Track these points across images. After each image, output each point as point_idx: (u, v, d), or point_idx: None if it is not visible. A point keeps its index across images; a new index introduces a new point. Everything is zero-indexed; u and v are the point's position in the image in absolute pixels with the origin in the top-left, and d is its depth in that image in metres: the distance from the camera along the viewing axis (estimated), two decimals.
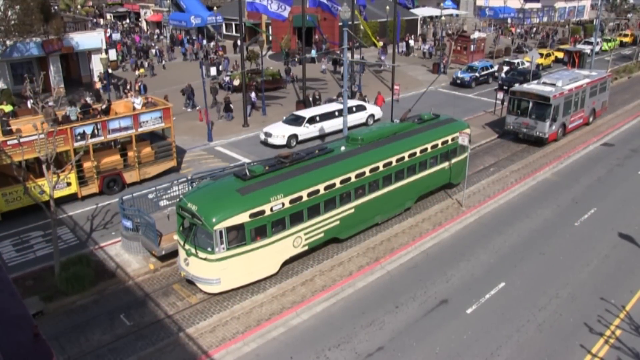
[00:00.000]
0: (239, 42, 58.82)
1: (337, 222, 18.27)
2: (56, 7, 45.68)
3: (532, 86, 29.94)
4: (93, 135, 21.78)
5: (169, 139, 24.82)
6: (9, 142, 19.80)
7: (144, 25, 71.40)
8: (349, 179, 18.14)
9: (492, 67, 45.04)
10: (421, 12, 69.56)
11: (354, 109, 31.39)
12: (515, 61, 46.94)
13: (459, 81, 43.07)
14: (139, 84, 37.71)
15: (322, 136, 29.95)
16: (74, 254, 17.87)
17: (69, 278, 16.14)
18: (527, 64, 44.78)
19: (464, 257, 18.74)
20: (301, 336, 14.92)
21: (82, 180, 22.22)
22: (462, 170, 22.99)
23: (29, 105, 29.40)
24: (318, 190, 17.24)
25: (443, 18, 56.32)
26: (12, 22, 31.22)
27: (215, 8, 65.16)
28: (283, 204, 16.32)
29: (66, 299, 15.98)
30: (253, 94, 35.71)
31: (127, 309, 15.83)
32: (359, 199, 18.79)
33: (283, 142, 28.54)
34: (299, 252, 17.51)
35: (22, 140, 18.03)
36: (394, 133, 20.82)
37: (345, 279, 17.28)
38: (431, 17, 71.32)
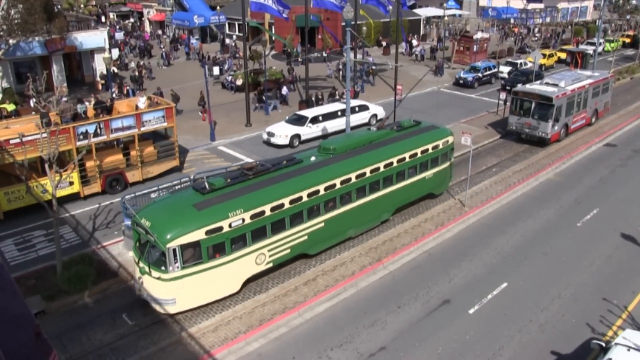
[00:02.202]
0: (227, 41, 59.12)
1: (305, 238, 17.26)
2: (59, 6, 45.71)
3: (535, 87, 29.87)
4: (96, 135, 21.79)
5: (171, 138, 24.84)
6: (11, 141, 19.82)
7: (146, 24, 71.38)
8: (318, 191, 17.14)
9: (494, 67, 45.00)
10: (424, 12, 69.39)
11: (357, 109, 31.35)
12: (518, 61, 46.92)
13: (461, 81, 42.99)
14: (127, 87, 36.94)
15: (324, 136, 29.91)
16: (76, 253, 17.86)
17: (71, 277, 16.13)
18: (529, 65, 44.74)
19: (466, 257, 18.71)
20: (303, 336, 14.92)
21: (84, 180, 22.23)
22: (445, 179, 22.38)
23: (32, 104, 29.45)
24: (283, 205, 16.24)
25: (446, 18, 56.22)
26: (15, 21, 31.26)
27: (218, 7, 65.21)
28: (243, 220, 15.35)
29: (68, 298, 15.99)
30: (285, 88, 37.04)
31: (129, 308, 15.83)
32: (329, 213, 17.73)
33: (286, 141, 28.52)
34: (262, 269, 16.52)
35: (24, 139, 18.06)
36: (370, 142, 19.76)
37: (348, 279, 17.27)
38: (429, 18, 71.17)
